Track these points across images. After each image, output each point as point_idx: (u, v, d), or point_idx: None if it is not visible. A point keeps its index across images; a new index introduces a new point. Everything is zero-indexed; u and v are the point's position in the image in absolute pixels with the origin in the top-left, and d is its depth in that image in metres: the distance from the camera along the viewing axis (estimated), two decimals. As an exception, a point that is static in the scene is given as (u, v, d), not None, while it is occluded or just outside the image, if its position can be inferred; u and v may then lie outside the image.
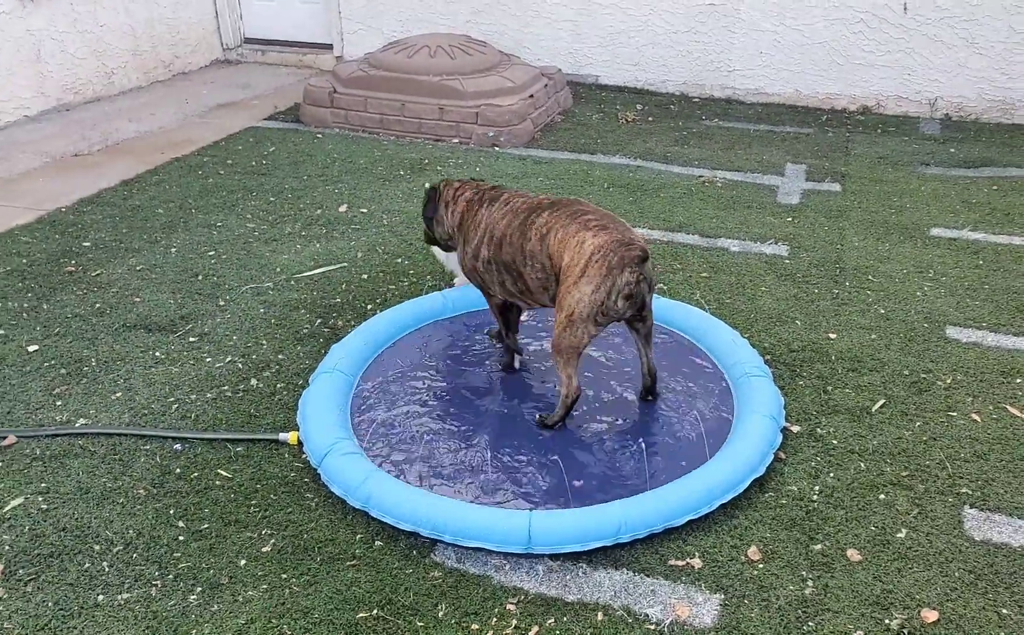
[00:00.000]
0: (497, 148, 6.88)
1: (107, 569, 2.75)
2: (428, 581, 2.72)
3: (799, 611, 2.61)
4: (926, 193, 5.93)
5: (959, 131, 7.38)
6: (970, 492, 3.10)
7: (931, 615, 2.59)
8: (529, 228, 3.33)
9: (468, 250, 3.58)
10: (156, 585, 2.70)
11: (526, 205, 3.42)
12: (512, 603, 2.64)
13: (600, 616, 2.59)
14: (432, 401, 3.60)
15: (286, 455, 3.28)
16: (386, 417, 3.49)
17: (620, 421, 3.47)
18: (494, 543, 2.78)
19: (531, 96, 7.27)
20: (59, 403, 3.59)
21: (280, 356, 3.93)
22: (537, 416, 3.47)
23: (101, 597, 2.65)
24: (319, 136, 7.12)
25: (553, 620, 2.58)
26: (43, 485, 3.11)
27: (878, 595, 2.66)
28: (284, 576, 2.73)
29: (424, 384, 3.71)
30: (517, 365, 3.83)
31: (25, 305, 4.34)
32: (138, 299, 4.42)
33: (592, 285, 3.11)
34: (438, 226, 3.77)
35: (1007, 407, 3.57)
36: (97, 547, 2.84)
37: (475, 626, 2.56)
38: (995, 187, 5.99)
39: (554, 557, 2.80)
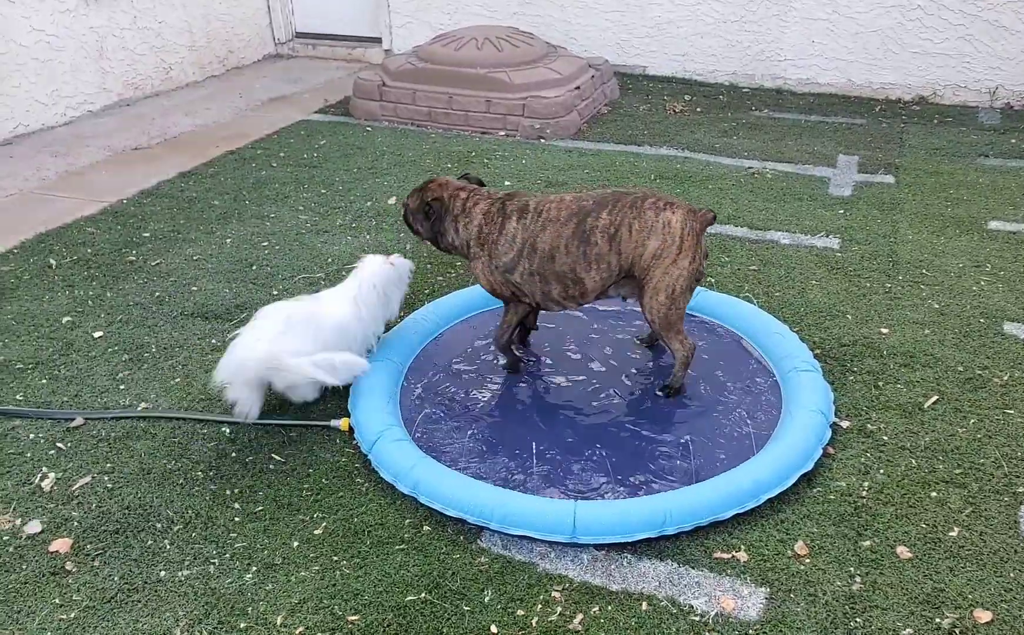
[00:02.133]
0: (543, 140, 6.90)
1: (168, 547, 2.87)
2: (475, 566, 2.77)
3: (846, 607, 2.60)
4: (984, 185, 5.78)
5: (1021, 121, 7.17)
6: (1026, 491, 3.04)
7: (984, 616, 2.55)
8: (591, 233, 3.34)
9: (498, 264, 3.47)
10: (214, 563, 2.80)
11: (568, 211, 3.39)
12: (557, 590, 2.67)
13: (644, 606, 2.62)
14: (479, 390, 3.65)
15: (338, 441, 3.36)
16: (434, 405, 3.55)
17: (666, 414, 3.48)
18: (539, 531, 2.82)
19: (577, 88, 7.27)
20: (122, 387, 3.73)
21: (332, 345, 4.01)
22: (658, 391, 3.58)
23: (163, 573, 2.76)
24: (368, 129, 7.22)
25: (598, 608, 2.61)
26: (108, 465, 3.25)
27: (928, 593, 2.64)
28: (335, 558, 2.81)
29: (471, 373, 3.76)
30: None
31: (90, 293, 4.51)
32: (195, 288, 4.55)
33: (689, 257, 3.34)
34: (441, 237, 3.62)
35: (1066, 405, 3.49)
36: (159, 525, 2.96)
37: (520, 612, 2.60)
38: (1058, 179, 5.83)
39: (599, 547, 2.83)
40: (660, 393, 3.57)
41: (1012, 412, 3.45)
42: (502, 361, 3.82)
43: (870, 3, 7.74)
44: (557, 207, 3.42)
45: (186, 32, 8.58)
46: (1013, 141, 6.64)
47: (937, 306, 4.26)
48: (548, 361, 3.85)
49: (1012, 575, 2.69)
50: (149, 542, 2.88)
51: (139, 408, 3.58)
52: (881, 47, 7.86)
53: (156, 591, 2.70)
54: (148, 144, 6.90)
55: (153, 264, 4.83)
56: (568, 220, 3.38)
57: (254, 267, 4.78)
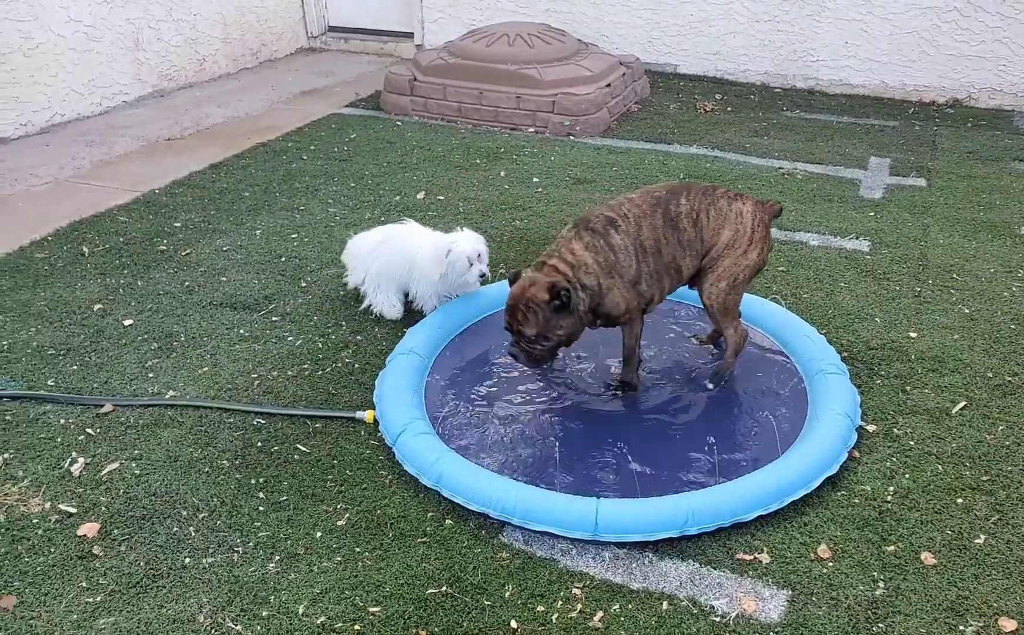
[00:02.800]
0: (572, 137, 6.89)
1: (193, 534, 2.91)
2: (496, 561, 2.78)
3: (869, 612, 2.57)
4: (1018, 190, 5.68)
5: (1058, 125, 7.04)
6: (1056, 501, 2.99)
7: (1009, 625, 2.52)
8: (678, 220, 3.37)
9: (626, 282, 3.32)
10: (238, 551, 2.84)
11: (646, 204, 3.37)
12: (578, 587, 2.68)
13: (665, 605, 2.61)
14: (503, 385, 3.66)
15: (362, 433, 3.38)
16: (459, 400, 3.56)
17: (691, 414, 3.47)
18: (561, 528, 2.82)
19: (608, 85, 7.25)
20: (151, 375, 3.78)
21: (358, 337, 4.05)
22: (707, 381, 3.61)
23: (188, 560, 2.80)
24: (399, 123, 7.25)
25: (618, 606, 2.61)
26: (136, 452, 3.30)
27: (952, 600, 2.61)
28: (357, 550, 2.83)
29: (496, 369, 3.77)
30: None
31: (122, 281, 4.58)
32: (224, 278, 4.61)
33: (758, 249, 3.43)
34: (576, 314, 3.28)
35: (1100, 415, 3.42)
36: (184, 513, 3.00)
37: (541, 608, 2.61)
38: (1096, 185, 5.71)
39: (620, 545, 2.82)
40: (709, 384, 3.60)
41: (1044, 421, 3.40)
42: (626, 381, 3.58)
43: (905, 4, 7.63)
44: (632, 203, 3.38)
45: (220, 24, 8.67)
46: (1051, 145, 6.52)
47: (967, 311, 4.19)
48: (574, 359, 3.85)
49: (1040, 586, 2.65)
50: (175, 529, 2.93)
51: (167, 396, 3.64)
52: (915, 49, 7.75)
53: (180, 577, 2.74)
54: (181, 135, 6.99)
55: (184, 254, 4.90)
56: (654, 210, 3.38)
57: (283, 259, 4.83)
